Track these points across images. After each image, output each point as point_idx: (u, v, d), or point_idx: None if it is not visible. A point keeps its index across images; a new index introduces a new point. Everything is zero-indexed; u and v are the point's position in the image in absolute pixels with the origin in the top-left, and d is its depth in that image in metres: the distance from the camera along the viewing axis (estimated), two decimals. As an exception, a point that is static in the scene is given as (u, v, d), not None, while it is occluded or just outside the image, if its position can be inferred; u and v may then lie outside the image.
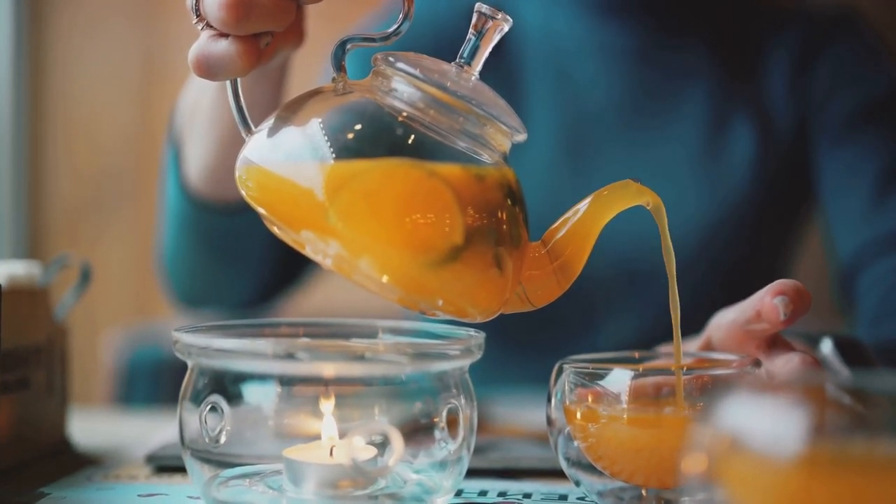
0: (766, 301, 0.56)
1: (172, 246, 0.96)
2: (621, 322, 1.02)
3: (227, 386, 0.54)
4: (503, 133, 0.55)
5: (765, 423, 0.38)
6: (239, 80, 0.57)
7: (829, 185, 1.00)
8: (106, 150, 2.12)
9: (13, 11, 2.08)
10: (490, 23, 0.56)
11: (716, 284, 1.02)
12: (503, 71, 1.04)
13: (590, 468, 0.58)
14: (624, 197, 0.56)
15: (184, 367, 0.56)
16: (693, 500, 0.40)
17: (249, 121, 0.57)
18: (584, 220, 0.56)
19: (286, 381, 0.54)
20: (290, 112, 0.55)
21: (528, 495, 0.62)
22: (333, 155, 0.51)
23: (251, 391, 0.55)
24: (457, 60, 0.56)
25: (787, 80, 1.02)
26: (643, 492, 0.58)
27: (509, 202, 0.54)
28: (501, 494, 0.62)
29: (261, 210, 0.54)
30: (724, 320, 0.62)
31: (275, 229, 0.54)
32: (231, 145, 0.81)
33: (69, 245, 2.09)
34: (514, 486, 0.64)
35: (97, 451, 0.74)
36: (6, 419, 0.66)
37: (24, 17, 2.11)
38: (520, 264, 0.54)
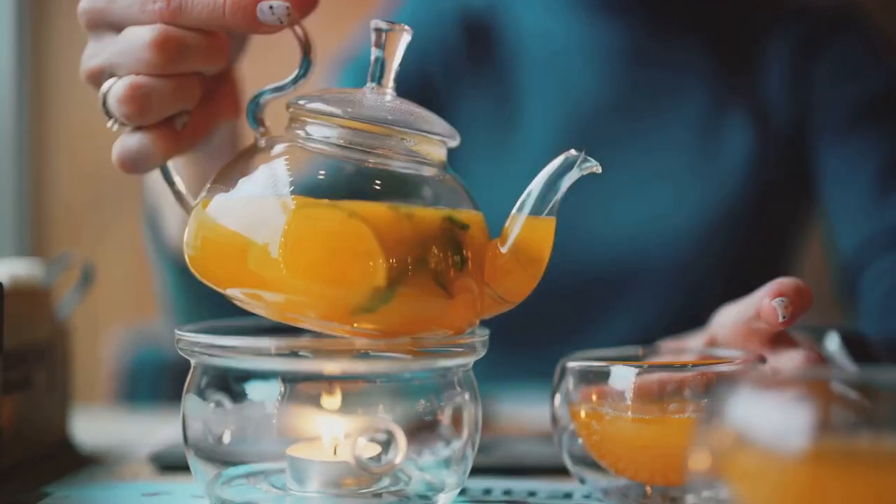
0: (765, 303, 0.55)
1: (174, 298, 0.95)
2: (624, 319, 1.02)
3: (230, 384, 0.54)
4: (433, 143, 0.54)
5: (770, 418, 0.38)
6: (170, 165, 0.58)
7: (830, 181, 1.00)
8: (108, 150, 2.11)
9: (15, 10, 2.08)
10: (386, 35, 0.55)
11: (718, 280, 1.02)
12: (500, 72, 1.04)
13: (594, 466, 0.58)
14: (570, 168, 0.55)
15: (186, 366, 0.56)
16: (698, 497, 0.40)
17: (189, 200, 0.58)
18: (539, 202, 0.54)
19: (290, 379, 0.54)
20: (220, 177, 0.55)
21: (532, 493, 0.61)
22: (263, 207, 0.51)
23: (255, 389, 0.55)
24: (368, 83, 0.56)
25: (786, 77, 1.02)
26: (648, 489, 0.57)
27: (448, 227, 0.52)
28: (506, 493, 0.62)
29: (207, 281, 0.54)
30: (727, 317, 0.62)
31: (237, 302, 0.54)
32: None
33: (71, 244, 2.09)
34: (519, 485, 0.64)
35: (100, 450, 0.74)
36: (8, 418, 0.66)
37: (26, 17, 2.11)
38: (478, 276, 0.53)
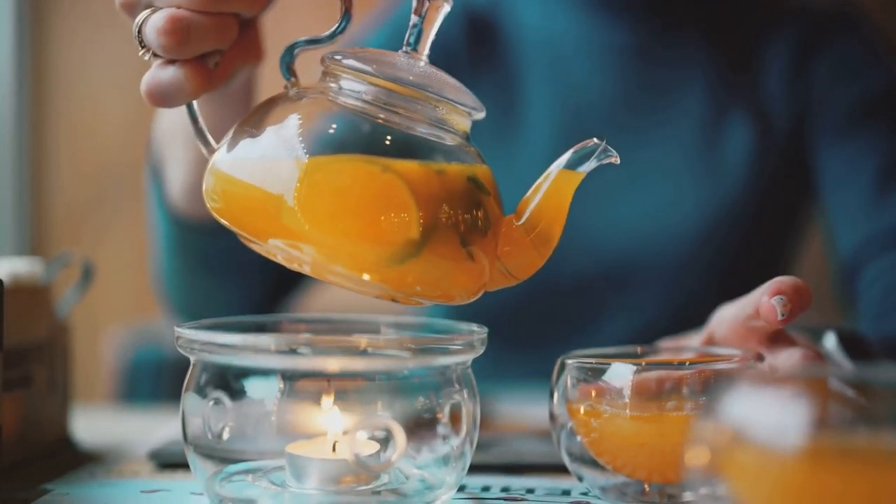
0: (764, 301, 0.56)
1: (167, 266, 0.96)
2: (623, 317, 1.02)
3: (229, 381, 0.54)
4: (460, 113, 0.55)
5: (767, 416, 0.38)
6: (195, 103, 0.58)
7: (829, 181, 1.00)
8: (108, 148, 2.12)
9: (15, 10, 2.08)
10: (428, 4, 0.56)
11: (716, 280, 1.02)
12: (502, 69, 1.04)
13: (592, 463, 0.58)
14: (591, 156, 0.55)
15: (185, 364, 0.56)
16: (696, 494, 0.40)
17: (210, 140, 0.58)
18: (556, 186, 0.55)
19: (289, 377, 0.54)
20: (247, 123, 0.55)
21: (531, 491, 0.62)
22: (291, 156, 0.52)
23: (254, 387, 0.55)
24: (403, 48, 0.57)
25: (786, 76, 1.02)
26: (646, 486, 0.58)
27: (472, 187, 0.54)
28: (504, 490, 0.62)
29: (227, 222, 0.54)
30: (726, 316, 0.62)
31: (251, 244, 0.54)
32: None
33: (71, 243, 2.09)
34: (517, 482, 0.64)
35: (99, 447, 0.74)
36: (9, 416, 0.66)
37: (26, 16, 2.11)
38: (493, 245, 0.54)
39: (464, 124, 0.56)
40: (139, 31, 0.55)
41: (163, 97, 0.56)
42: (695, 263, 1.01)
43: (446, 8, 0.56)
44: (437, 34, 1.07)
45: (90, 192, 2.13)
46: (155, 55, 0.55)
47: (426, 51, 0.57)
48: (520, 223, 0.55)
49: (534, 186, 0.56)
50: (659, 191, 1.02)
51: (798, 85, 1.02)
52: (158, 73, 0.55)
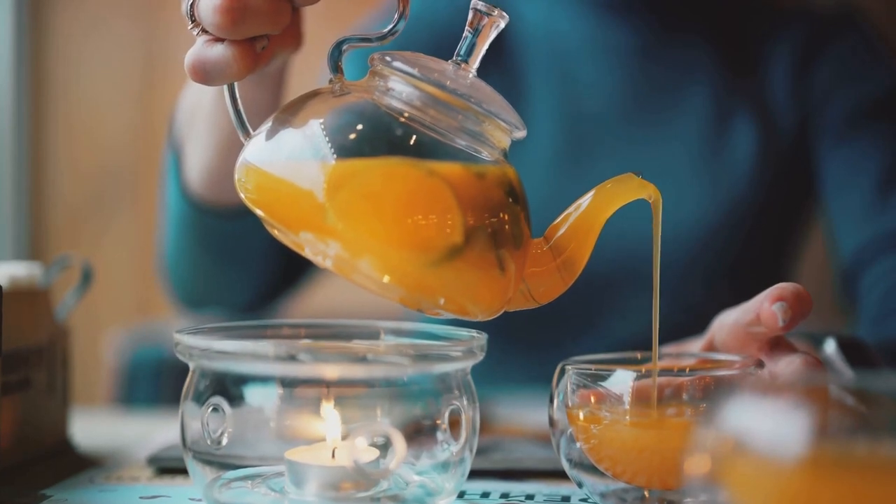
0: (765, 307, 0.56)
1: (174, 249, 0.96)
2: (624, 322, 1.02)
3: (228, 387, 0.54)
4: (502, 130, 0.55)
5: (768, 424, 0.38)
6: (236, 84, 0.57)
7: (831, 184, 1.00)
8: (107, 151, 2.12)
9: (14, 11, 2.08)
10: (486, 19, 0.56)
11: (718, 283, 1.02)
12: (506, 70, 1.04)
13: (592, 469, 0.58)
14: (626, 191, 0.56)
15: (185, 367, 0.56)
16: (696, 501, 0.40)
17: (248, 124, 0.57)
18: (587, 214, 0.56)
19: (288, 383, 0.54)
20: (287, 114, 0.55)
21: (530, 496, 0.61)
22: (332, 155, 0.51)
23: (253, 393, 0.55)
24: (454, 58, 0.56)
25: (789, 78, 1.02)
26: (646, 493, 0.57)
27: (510, 200, 0.54)
28: (504, 496, 0.62)
29: (259, 212, 0.54)
30: (727, 321, 0.62)
31: (275, 232, 0.54)
32: (230, 148, 0.81)
33: (70, 246, 2.09)
34: (517, 488, 0.64)
35: (99, 452, 0.74)
36: (8, 420, 0.66)
37: (25, 17, 2.11)
38: (522, 262, 0.54)
39: (504, 141, 0.56)
40: (191, 6, 0.55)
41: (206, 75, 0.55)
42: (697, 266, 1.01)
43: (501, 24, 0.56)
44: (440, 30, 1.07)
45: (89, 195, 2.13)
46: (204, 31, 0.55)
47: (476, 64, 0.56)
48: (548, 246, 0.55)
49: (564, 213, 0.56)
50: (663, 192, 1.02)
51: (801, 87, 1.02)
52: (205, 51, 0.55)
